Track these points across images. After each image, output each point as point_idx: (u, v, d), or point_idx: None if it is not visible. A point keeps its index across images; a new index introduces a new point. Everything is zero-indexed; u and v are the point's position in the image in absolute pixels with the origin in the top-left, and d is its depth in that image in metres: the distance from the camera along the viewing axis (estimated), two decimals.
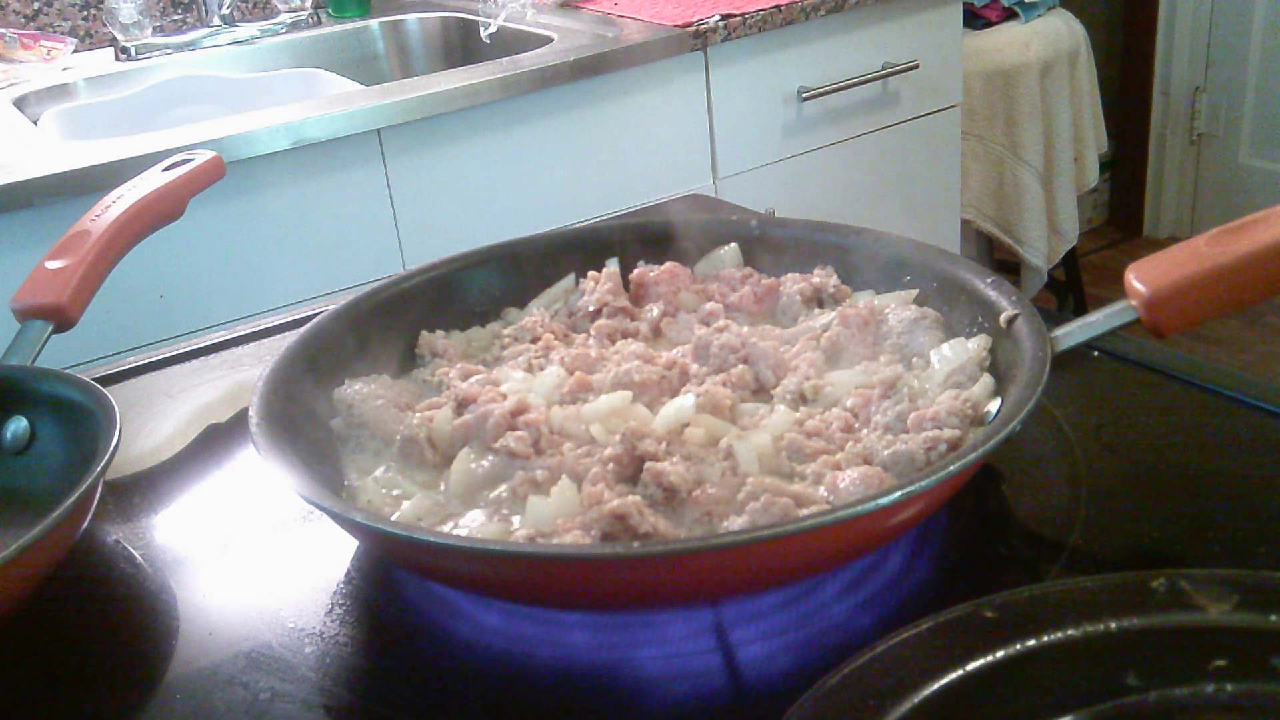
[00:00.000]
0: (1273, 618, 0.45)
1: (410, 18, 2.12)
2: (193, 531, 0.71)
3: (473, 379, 0.72)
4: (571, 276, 0.84)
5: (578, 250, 0.85)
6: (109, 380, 0.89)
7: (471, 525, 0.61)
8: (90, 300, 0.81)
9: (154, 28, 1.95)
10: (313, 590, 0.64)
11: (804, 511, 0.58)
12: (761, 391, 0.71)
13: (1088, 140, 2.75)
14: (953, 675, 0.45)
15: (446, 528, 0.61)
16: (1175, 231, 3.42)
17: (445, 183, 1.62)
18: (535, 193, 1.68)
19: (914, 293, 0.76)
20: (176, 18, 2.06)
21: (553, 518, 0.58)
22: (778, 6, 1.79)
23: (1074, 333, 0.64)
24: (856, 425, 0.66)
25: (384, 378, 0.74)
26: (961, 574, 0.61)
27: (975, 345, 0.69)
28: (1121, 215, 3.51)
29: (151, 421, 0.83)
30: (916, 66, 1.98)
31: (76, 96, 1.83)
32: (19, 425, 0.73)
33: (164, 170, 0.92)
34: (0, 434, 0.73)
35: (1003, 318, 0.67)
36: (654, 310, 0.80)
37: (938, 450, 0.61)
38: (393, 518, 0.62)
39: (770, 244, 0.83)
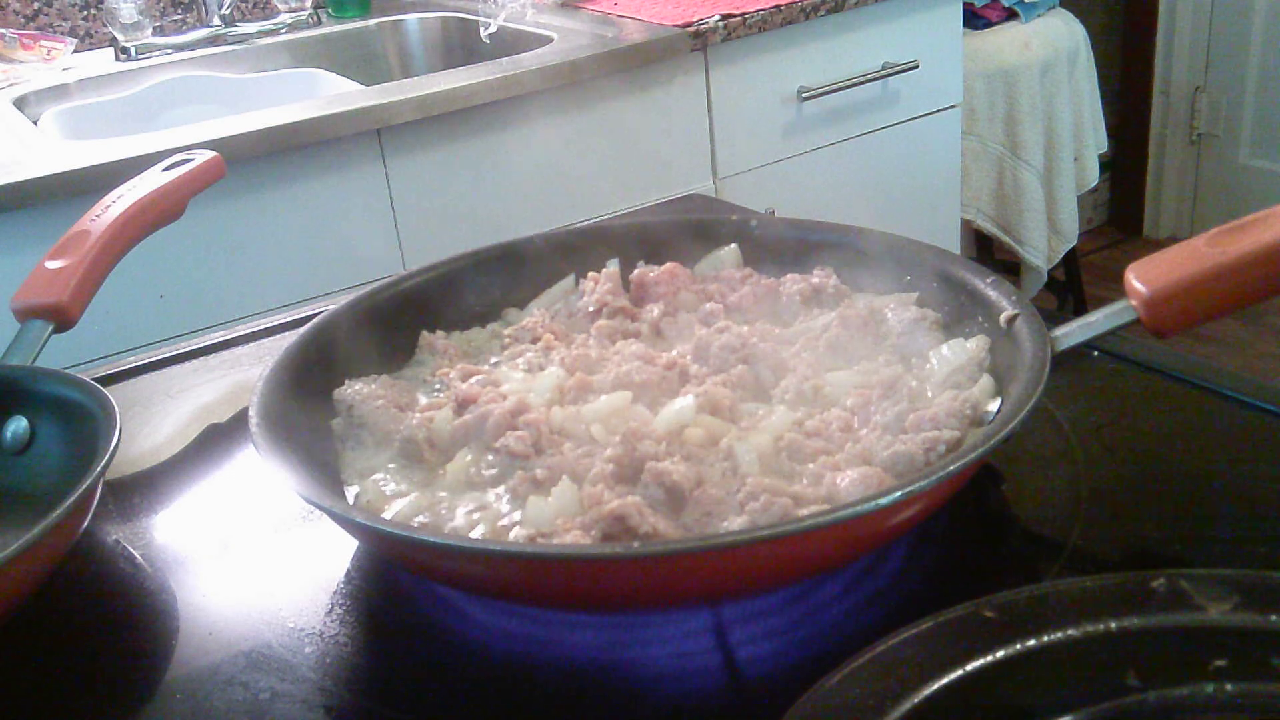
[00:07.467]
0: (1273, 618, 0.45)
1: (410, 18, 2.12)
2: (193, 531, 0.71)
3: (473, 379, 0.72)
4: (571, 276, 0.84)
5: (578, 250, 0.85)
6: (109, 380, 0.89)
7: (470, 525, 0.61)
8: (90, 300, 0.81)
9: (154, 28, 1.95)
10: (313, 590, 0.64)
11: (804, 511, 0.58)
12: (761, 392, 0.71)
13: (1088, 140, 2.75)
14: (953, 675, 0.45)
15: (446, 528, 0.61)
16: (1175, 231, 3.42)
17: (445, 183, 1.62)
18: (535, 193, 1.68)
19: (914, 293, 0.76)
20: (176, 18, 2.05)
21: (553, 518, 0.58)
22: (778, 6, 1.79)
23: (1074, 333, 0.63)
24: (856, 425, 0.66)
25: (384, 378, 0.74)
26: (961, 574, 0.62)
27: (975, 345, 0.69)
28: (1121, 215, 3.51)
29: (151, 421, 0.83)
30: (916, 66, 1.98)
31: (76, 96, 1.82)
32: (19, 425, 0.73)
33: (164, 170, 0.92)
34: (0, 434, 0.73)
35: (1003, 318, 0.67)
36: (654, 310, 0.80)
37: (937, 451, 0.61)
38: (389, 516, 0.62)
39: (770, 244, 0.83)
